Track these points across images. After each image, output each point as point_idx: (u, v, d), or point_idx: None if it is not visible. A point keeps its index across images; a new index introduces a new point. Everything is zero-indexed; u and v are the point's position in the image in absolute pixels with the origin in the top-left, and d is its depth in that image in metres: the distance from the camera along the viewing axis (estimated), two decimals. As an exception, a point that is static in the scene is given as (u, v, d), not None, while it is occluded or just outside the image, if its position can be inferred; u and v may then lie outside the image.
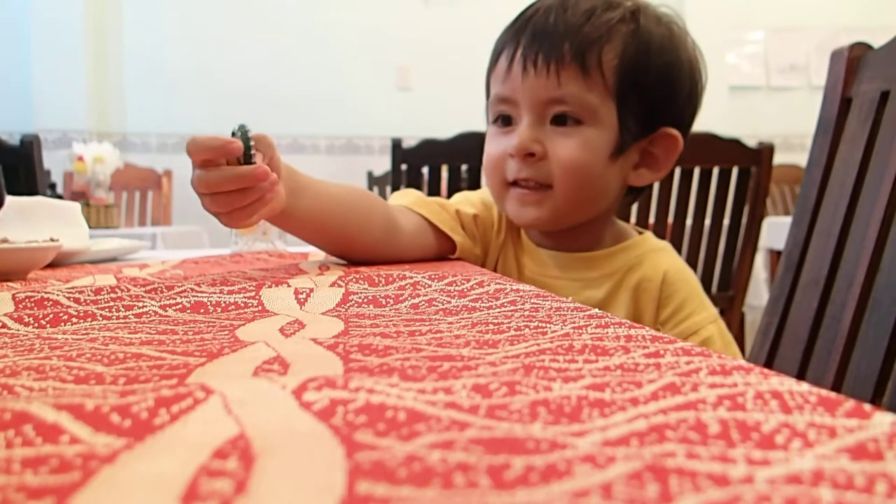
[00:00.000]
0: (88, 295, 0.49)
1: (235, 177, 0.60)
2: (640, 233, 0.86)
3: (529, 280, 0.83)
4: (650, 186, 0.89)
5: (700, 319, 0.78)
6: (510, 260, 0.85)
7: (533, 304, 0.44)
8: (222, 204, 0.61)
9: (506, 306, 0.44)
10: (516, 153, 0.76)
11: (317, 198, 0.71)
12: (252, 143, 0.61)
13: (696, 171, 1.69)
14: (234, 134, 0.61)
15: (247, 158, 0.61)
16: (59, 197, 2.06)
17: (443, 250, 0.81)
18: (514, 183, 0.78)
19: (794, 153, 3.60)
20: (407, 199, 0.82)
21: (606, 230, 0.84)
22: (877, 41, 0.85)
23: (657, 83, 0.77)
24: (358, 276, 0.58)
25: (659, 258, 0.81)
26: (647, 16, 0.77)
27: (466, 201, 0.85)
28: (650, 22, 0.77)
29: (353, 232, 0.74)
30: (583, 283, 0.81)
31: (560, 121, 0.75)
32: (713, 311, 0.80)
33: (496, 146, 0.79)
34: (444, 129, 1.67)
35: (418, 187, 1.59)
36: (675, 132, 0.79)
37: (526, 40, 0.75)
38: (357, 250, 0.75)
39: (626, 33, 0.75)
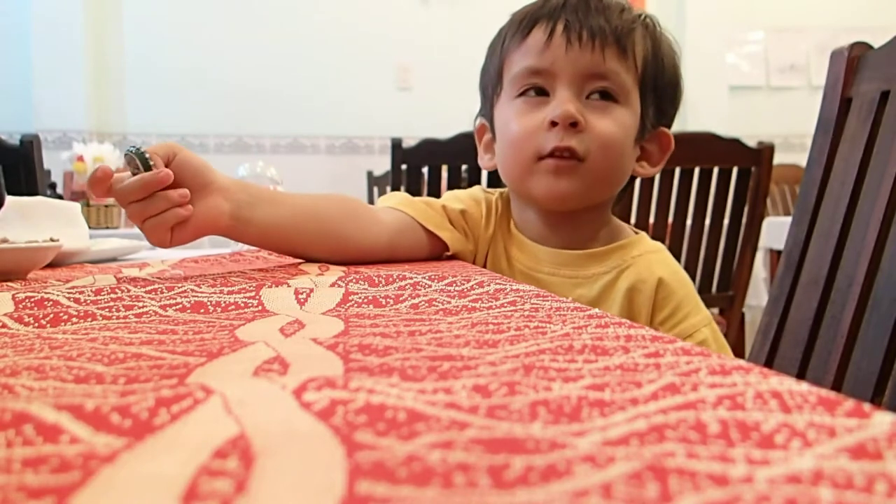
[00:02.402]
0: (88, 295, 0.49)
1: (140, 184, 0.63)
2: (636, 233, 0.86)
3: (520, 273, 0.83)
4: (633, 189, 0.93)
5: (696, 322, 0.79)
6: (500, 252, 0.85)
7: (533, 304, 0.44)
8: (136, 214, 0.64)
9: (506, 306, 0.44)
10: (562, 121, 0.75)
11: (275, 206, 0.71)
12: (148, 157, 0.64)
13: (696, 171, 1.69)
14: (128, 154, 0.64)
15: (147, 170, 0.64)
16: (59, 197, 2.06)
17: (434, 249, 0.81)
18: (548, 155, 0.77)
19: (794, 153, 3.59)
20: (393, 200, 0.82)
21: (602, 227, 0.85)
22: (877, 41, 0.85)
23: (668, 84, 0.83)
24: (358, 277, 0.58)
25: (654, 260, 0.82)
26: (656, 24, 0.83)
27: (454, 198, 0.85)
28: (659, 29, 0.83)
29: (332, 237, 0.74)
30: (575, 281, 0.81)
31: (602, 96, 0.78)
32: (707, 313, 0.81)
33: (530, 119, 0.78)
34: (444, 129, 1.66)
35: (418, 187, 1.59)
36: (668, 132, 0.85)
37: (569, 16, 0.77)
38: (341, 254, 0.75)
39: (648, 33, 0.81)
